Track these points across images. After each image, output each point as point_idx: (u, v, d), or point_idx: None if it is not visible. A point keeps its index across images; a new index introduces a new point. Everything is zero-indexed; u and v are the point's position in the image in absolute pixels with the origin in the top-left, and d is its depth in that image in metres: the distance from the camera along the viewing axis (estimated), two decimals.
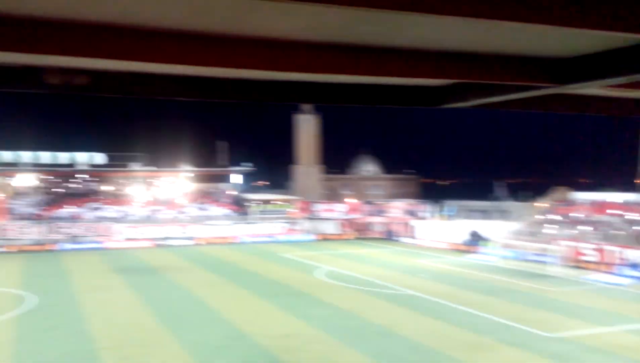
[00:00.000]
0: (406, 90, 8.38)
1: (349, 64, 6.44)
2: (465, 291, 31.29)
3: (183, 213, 63.25)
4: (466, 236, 51.64)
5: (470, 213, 62.12)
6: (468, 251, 48.86)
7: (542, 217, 48.99)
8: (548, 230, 45.60)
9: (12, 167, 60.04)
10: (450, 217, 60.36)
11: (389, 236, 62.58)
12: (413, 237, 59.38)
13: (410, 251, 52.02)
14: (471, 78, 7.26)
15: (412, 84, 8.22)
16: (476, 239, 50.04)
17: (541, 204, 51.70)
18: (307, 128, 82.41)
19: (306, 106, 79.33)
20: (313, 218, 65.63)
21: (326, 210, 66.93)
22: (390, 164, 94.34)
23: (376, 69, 6.69)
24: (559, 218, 47.14)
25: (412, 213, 63.73)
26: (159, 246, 56.44)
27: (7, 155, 58.71)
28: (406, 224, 62.32)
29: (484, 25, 5.49)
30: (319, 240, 62.10)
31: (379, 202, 69.93)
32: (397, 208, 65.63)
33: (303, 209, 66.46)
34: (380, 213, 66.34)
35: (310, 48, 6.14)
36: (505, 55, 7.12)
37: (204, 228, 60.36)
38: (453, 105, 8.82)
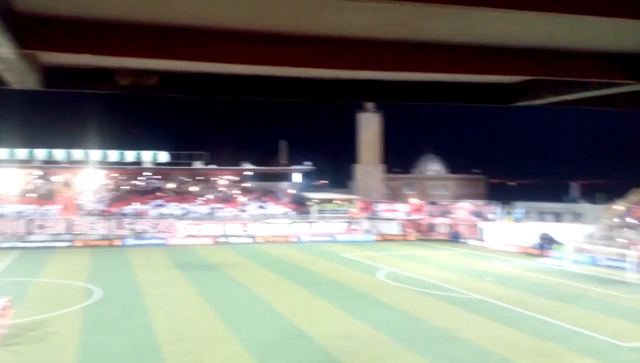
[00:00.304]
0: (475, 87, 8.12)
1: (418, 61, 6.31)
2: (534, 296, 30.20)
3: (243, 211, 64.52)
4: (536, 240, 49.98)
5: (541, 215, 60.02)
6: (538, 255, 47.35)
7: (619, 220, 46.57)
8: (625, 234, 43.30)
9: (82, 165, 63.22)
10: (519, 219, 58.44)
11: (454, 238, 61.34)
12: (480, 239, 57.95)
13: (476, 253, 50.79)
14: (547, 75, 6.92)
15: (482, 82, 7.96)
16: (547, 242, 48.34)
17: (618, 206, 49.12)
18: (369, 126, 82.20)
19: (369, 104, 79.21)
20: (374, 218, 65.32)
21: (388, 210, 66.46)
22: (456, 163, 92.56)
23: (446, 67, 6.51)
24: (637, 221, 44.67)
25: (479, 215, 62.18)
26: (219, 243, 57.86)
27: (78, 153, 61.90)
28: (473, 226, 60.84)
29: (561, 20, 5.22)
30: (379, 241, 61.75)
31: (443, 203, 68.72)
32: (463, 209, 64.21)
33: (364, 209, 66.29)
34: (445, 214, 65.17)
35: (378, 45, 6.07)
36: (585, 51, 6.74)
37: (264, 226, 61.31)
38: (525, 103, 8.45)
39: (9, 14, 4.26)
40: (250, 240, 59.43)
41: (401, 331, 22.49)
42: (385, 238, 62.54)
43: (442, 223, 64.74)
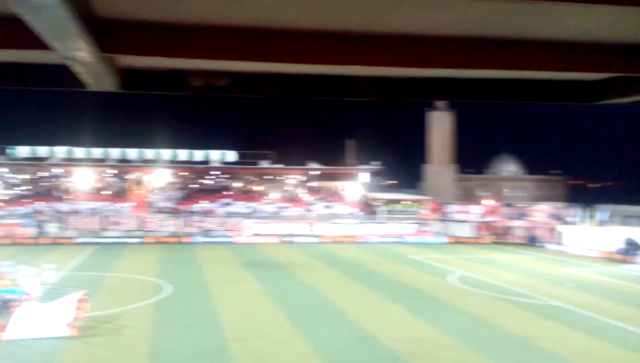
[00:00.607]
0: (557, 85, 7.87)
1: (496, 58, 6.23)
2: (618, 304, 28.79)
3: (310, 210, 65.17)
4: (621, 244, 47.60)
5: (627, 219, 56.94)
6: (622, 261, 45.23)
7: None
8: None
9: (153, 164, 66.10)
10: (603, 223, 55.70)
11: (531, 242, 59.35)
12: (559, 243, 55.79)
13: (555, 258, 48.92)
14: (634, 71, 6.62)
15: (563, 79, 7.70)
16: (633, 247, 45.96)
17: None
18: (440, 125, 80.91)
19: (439, 103, 77.98)
20: (445, 219, 64.24)
21: (460, 212, 65.16)
22: (534, 163, 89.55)
23: (525, 64, 6.37)
24: None
25: (558, 218, 59.75)
26: (284, 242, 58.79)
27: (149, 153, 64.73)
28: (551, 229, 58.61)
29: None
30: (451, 243, 60.69)
31: (520, 205, 66.59)
32: (542, 211, 61.91)
33: (434, 210, 65.33)
34: (521, 216, 63.12)
35: (453, 43, 6.03)
36: None
37: (331, 226, 61.67)
38: (610, 101, 8.10)
39: (90, 20, 4.59)
40: (316, 240, 60.00)
41: (474, 337, 22.04)
42: (457, 241, 61.40)
43: (518, 225, 62.78)
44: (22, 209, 59.61)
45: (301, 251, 51.21)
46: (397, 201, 67.18)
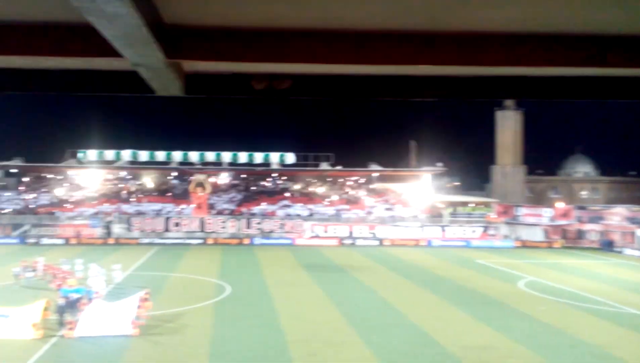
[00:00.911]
0: (635, 82, 7.57)
1: (569, 55, 6.10)
2: None
3: (370, 213, 65.07)
4: None
5: None
6: None
7: None
8: None
9: (214, 166, 67.92)
10: None
11: (606, 247, 57.00)
12: (637, 249, 53.30)
13: (632, 264, 46.89)
14: None
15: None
16: None
17: None
18: (508, 125, 79.09)
19: (508, 102, 76.19)
20: (513, 222, 62.65)
21: (529, 215, 63.38)
22: (610, 164, 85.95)
23: (602, 60, 6.20)
24: None
25: (636, 221, 57.06)
26: (344, 245, 59.01)
27: (210, 155, 66.54)
28: (629, 233, 56.05)
29: None
30: (519, 247, 59.19)
31: (594, 207, 64.11)
32: (618, 214, 59.31)
33: (502, 213, 63.84)
34: (596, 219, 60.72)
35: (524, 40, 5.97)
36: None
37: (392, 229, 61.36)
38: None
39: (159, 27, 4.91)
40: (377, 243, 59.89)
41: (545, 345, 21.43)
42: (526, 245, 59.78)
43: (592, 229, 60.43)
44: (90, 211, 62.66)
45: (361, 254, 51.23)
46: (463, 204, 66.06)
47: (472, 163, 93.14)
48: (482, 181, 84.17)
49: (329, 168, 70.09)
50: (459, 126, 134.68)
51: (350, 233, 61.14)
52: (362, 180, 73.67)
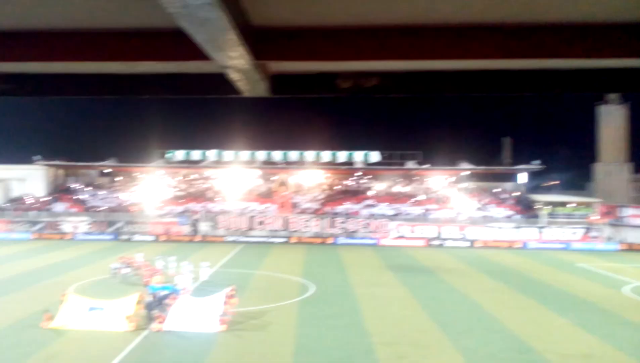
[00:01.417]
0: None
1: None
2: None
3: (460, 213, 63.83)
4: None
5: None
6: None
7: None
8: None
9: (297, 165, 69.18)
10: None
11: None
12: None
13: None
14: None
15: None
16: None
17: None
18: (612, 120, 75.09)
19: (612, 96, 72.26)
20: (618, 224, 59.37)
21: (635, 216, 59.75)
22: None
23: None
24: None
25: None
26: (432, 246, 58.29)
27: (293, 154, 67.82)
28: None
29: None
30: (624, 250, 56.12)
31: None
32: None
33: (605, 214, 60.67)
34: None
35: (627, 30, 5.76)
36: None
37: (484, 230, 59.92)
38: None
39: (247, 30, 5.23)
40: (467, 244, 58.70)
41: None
42: (633, 248, 56.56)
43: None
44: (178, 209, 65.72)
45: (450, 256, 50.42)
46: (562, 204, 63.38)
47: (572, 161, 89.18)
48: (583, 179, 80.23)
49: (416, 166, 69.36)
50: (557, 122, 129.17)
51: (439, 233, 60.28)
52: (452, 179, 72.36)
